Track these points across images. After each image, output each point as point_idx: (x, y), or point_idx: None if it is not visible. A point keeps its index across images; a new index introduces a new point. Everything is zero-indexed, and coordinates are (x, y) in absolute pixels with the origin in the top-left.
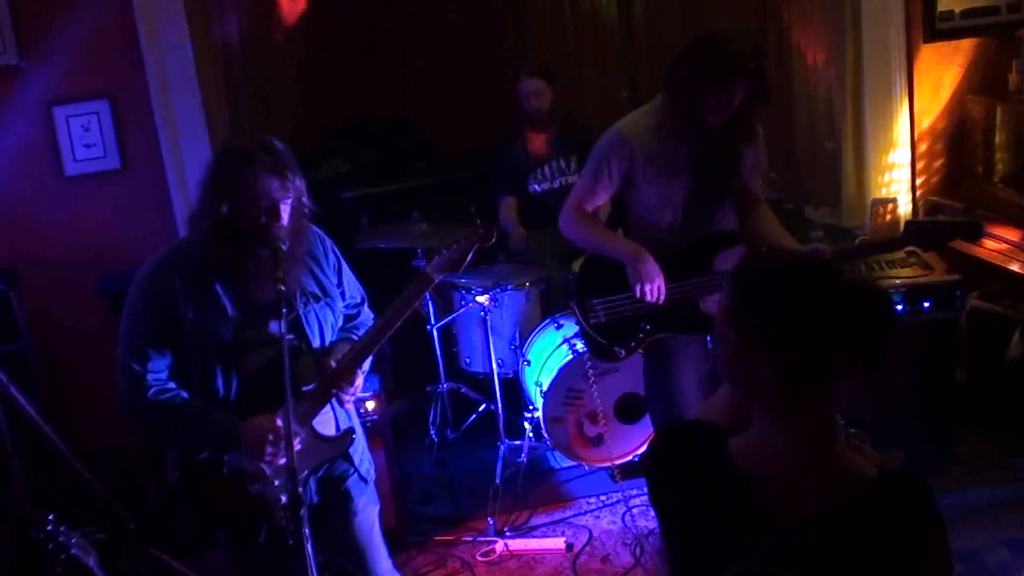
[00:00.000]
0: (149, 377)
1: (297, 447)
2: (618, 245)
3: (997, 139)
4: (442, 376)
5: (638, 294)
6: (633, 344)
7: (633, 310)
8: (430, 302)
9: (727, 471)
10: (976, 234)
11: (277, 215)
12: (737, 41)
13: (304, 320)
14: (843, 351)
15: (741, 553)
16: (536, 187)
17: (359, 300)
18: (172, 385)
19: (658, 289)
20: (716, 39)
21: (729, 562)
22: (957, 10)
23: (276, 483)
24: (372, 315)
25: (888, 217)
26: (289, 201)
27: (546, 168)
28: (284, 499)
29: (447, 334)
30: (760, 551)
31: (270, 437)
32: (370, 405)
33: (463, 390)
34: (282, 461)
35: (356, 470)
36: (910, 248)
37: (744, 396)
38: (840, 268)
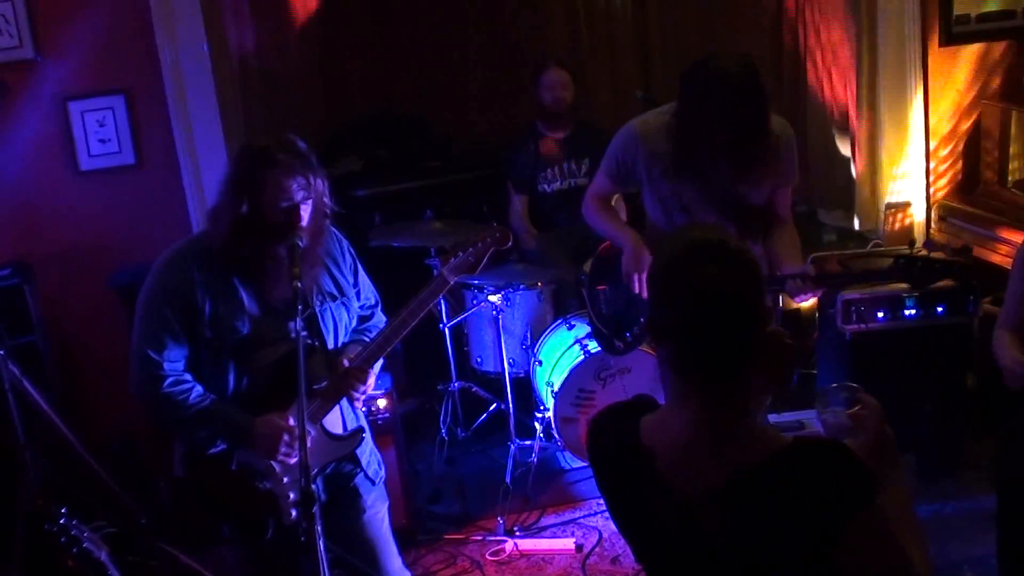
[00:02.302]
0: (165, 366)
1: (308, 445)
2: (624, 233)
3: (1012, 144)
4: (453, 375)
5: (624, 279)
6: (629, 338)
7: (628, 304)
8: (442, 301)
9: (634, 447)
10: (967, 278)
11: (296, 216)
12: (731, 72)
13: (320, 318)
14: (684, 351)
15: (651, 527)
16: (546, 187)
17: (373, 302)
18: (188, 377)
19: (642, 281)
20: (708, 70)
21: (645, 535)
22: (973, 14)
23: (285, 480)
24: (385, 319)
25: (901, 221)
26: (309, 202)
27: (556, 168)
28: (293, 496)
29: (459, 333)
30: (667, 524)
31: (285, 436)
32: (381, 403)
33: (474, 389)
34: (293, 459)
35: (363, 471)
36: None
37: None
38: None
